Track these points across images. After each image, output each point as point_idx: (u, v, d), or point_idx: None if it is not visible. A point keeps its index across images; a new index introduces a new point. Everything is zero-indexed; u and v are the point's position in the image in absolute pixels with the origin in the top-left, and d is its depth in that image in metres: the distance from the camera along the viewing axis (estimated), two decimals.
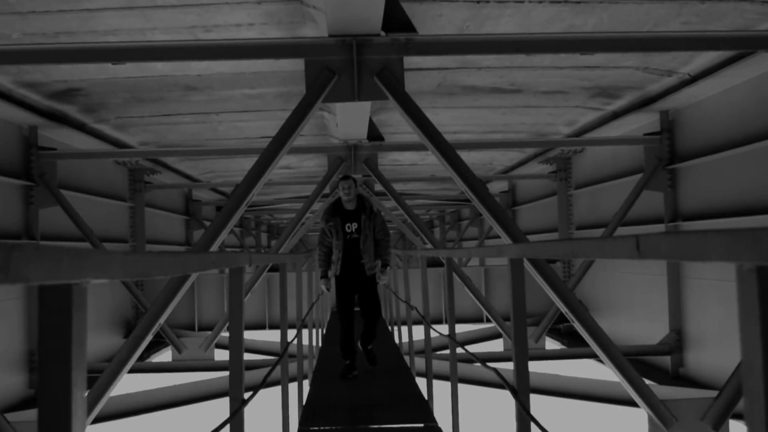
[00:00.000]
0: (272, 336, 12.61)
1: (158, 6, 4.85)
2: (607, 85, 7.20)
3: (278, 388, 5.10)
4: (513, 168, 12.77)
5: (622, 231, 8.39)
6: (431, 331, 5.79)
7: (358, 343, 6.48)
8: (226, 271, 4.54)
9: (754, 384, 0.90)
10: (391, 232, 6.38)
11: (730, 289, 4.50)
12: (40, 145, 7.92)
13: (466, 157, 7.40)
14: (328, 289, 6.33)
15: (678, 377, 8.11)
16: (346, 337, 6.23)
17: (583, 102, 7.91)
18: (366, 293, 6.29)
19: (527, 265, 4.30)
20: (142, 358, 10.46)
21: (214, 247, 4.52)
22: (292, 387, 5.51)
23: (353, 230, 6.17)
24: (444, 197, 16.48)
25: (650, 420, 4.49)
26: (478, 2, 4.89)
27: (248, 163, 5.20)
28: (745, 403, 0.93)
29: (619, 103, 7.88)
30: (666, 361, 8.28)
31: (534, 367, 8.52)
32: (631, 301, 9.45)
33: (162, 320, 4.29)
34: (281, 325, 5.00)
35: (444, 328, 5.39)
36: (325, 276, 6.31)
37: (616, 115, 8.21)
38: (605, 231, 8.44)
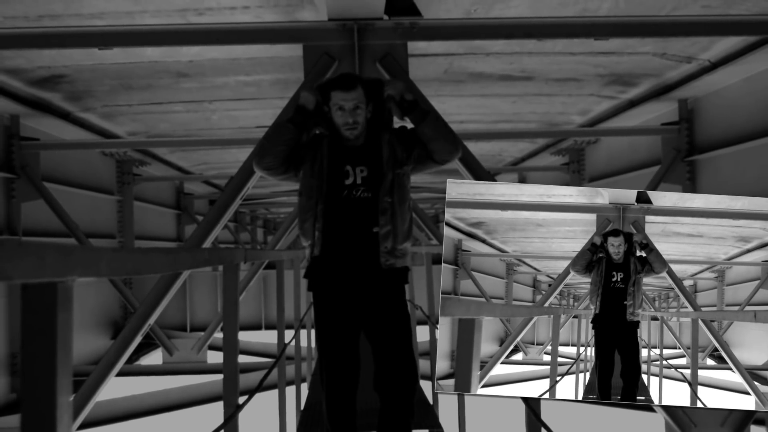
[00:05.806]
0: (269, 337, 12.65)
1: None
2: (622, 73, 7.18)
3: (275, 392, 5.11)
4: (523, 159, 12.75)
5: None
6: (436, 331, 5.79)
7: None
8: (220, 268, 4.54)
9: None
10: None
11: None
12: (22, 135, 7.91)
13: (474, 147, 7.38)
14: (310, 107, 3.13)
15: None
16: (339, 400, 3.30)
17: (598, 90, 7.89)
18: (389, 324, 3.15)
19: None
20: (130, 360, 10.48)
21: (207, 243, 4.52)
22: (290, 391, 5.52)
23: (359, 180, 3.08)
24: None
25: (667, 425, 4.50)
26: None
27: (243, 154, 5.20)
28: None
29: (636, 92, 7.86)
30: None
31: None
32: None
33: (152, 320, 4.30)
34: (278, 325, 5.01)
35: None
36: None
37: (632, 104, 8.18)
38: None
